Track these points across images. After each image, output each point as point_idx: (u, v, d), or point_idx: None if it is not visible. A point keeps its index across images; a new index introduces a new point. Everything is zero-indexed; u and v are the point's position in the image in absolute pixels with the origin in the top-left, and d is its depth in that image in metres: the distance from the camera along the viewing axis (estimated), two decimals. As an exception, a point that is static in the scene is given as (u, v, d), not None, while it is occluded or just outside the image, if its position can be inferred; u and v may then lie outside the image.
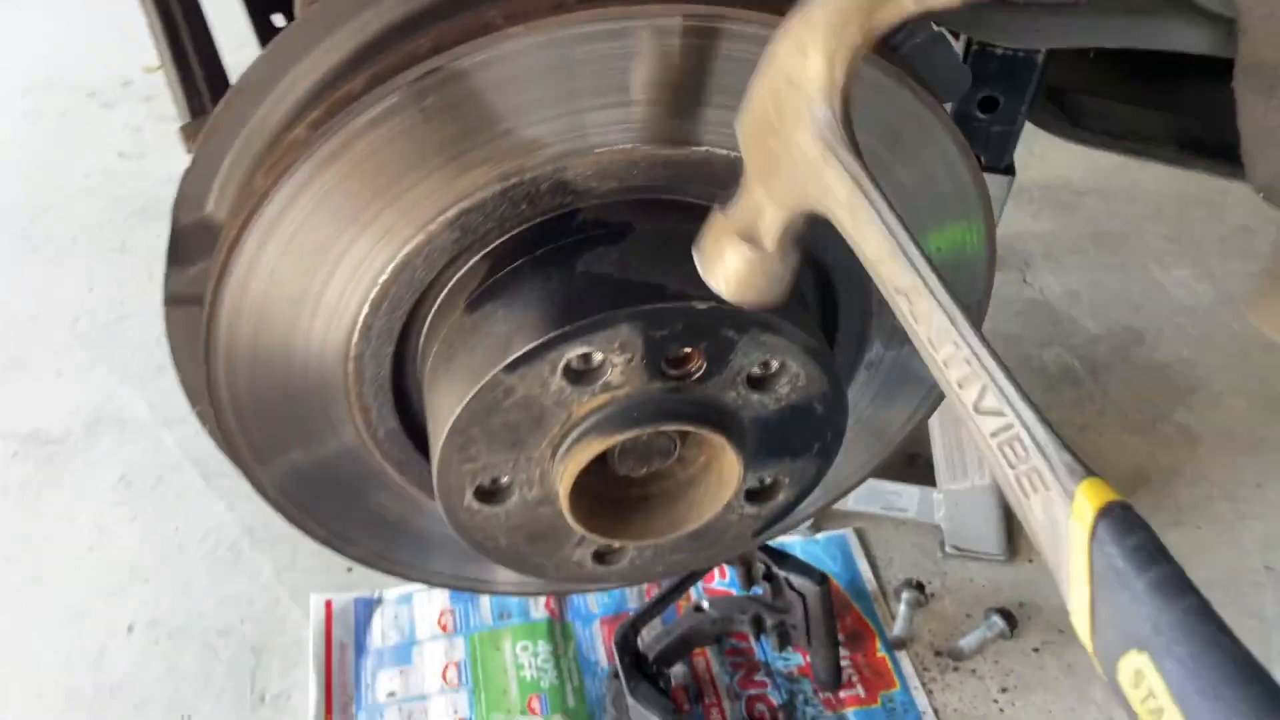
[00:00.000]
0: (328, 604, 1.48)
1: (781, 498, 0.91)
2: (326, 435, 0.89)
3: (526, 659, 1.44)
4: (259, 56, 0.76)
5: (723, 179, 0.76)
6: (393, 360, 0.84)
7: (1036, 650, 1.52)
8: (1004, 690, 1.46)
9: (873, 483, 1.64)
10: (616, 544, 0.90)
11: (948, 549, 1.63)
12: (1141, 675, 0.48)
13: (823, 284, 0.90)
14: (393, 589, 1.52)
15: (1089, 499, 0.54)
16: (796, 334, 0.78)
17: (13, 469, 1.66)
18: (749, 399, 0.82)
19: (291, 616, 1.48)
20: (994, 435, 0.57)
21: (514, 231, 0.79)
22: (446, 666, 1.43)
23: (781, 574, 1.38)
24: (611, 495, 0.88)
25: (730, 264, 0.70)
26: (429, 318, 0.84)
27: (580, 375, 0.77)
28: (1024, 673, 1.48)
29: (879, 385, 0.99)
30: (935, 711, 1.43)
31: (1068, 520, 0.55)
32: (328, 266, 0.77)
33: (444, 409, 0.79)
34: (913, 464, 1.67)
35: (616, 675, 1.30)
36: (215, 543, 1.57)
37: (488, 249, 0.80)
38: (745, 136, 0.67)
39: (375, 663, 1.44)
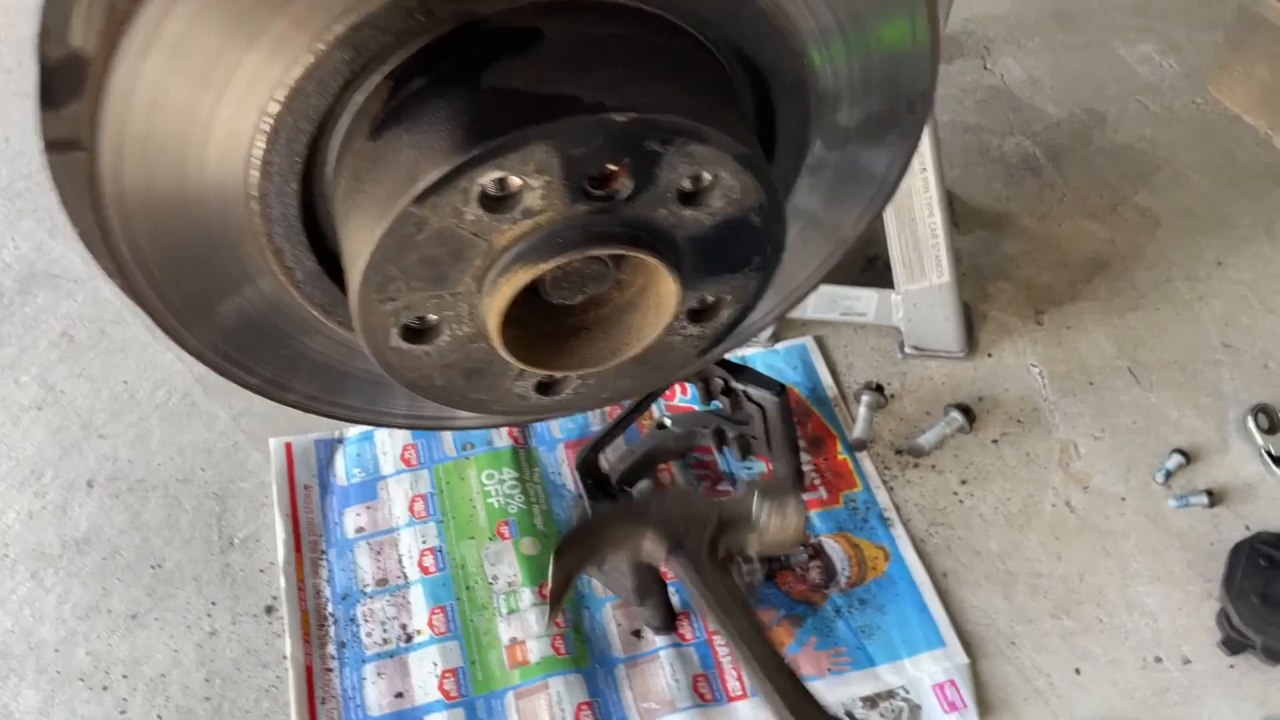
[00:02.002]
0: (288, 446, 1.47)
1: (724, 315, 0.88)
2: (243, 284, 0.84)
3: (493, 486, 1.44)
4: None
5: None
6: (300, 196, 0.78)
7: (995, 442, 1.54)
8: (963, 482, 1.49)
9: (830, 289, 1.62)
10: (558, 375, 0.87)
11: (907, 350, 1.63)
12: None
13: (757, 88, 0.84)
14: (353, 427, 1.51)
15: None
16: (726, 142, 0.73)
17: (-53, 333, 1.61)
18: (682, 216, 0.77)
19: (252, 461, 1.47)
20: None
21: (414, 47, 0.72)
22: (413, 499, 1.44)
23: (740, 387, 1.38)
24: (548, 325, 0.85)
25: None
26: (335, 147, 0.77)
27: (497, 202, 0.72)
28: (983, 464, 1.51)
29: (826, 188, 0.95)
30: (896, 507, 1.46)
31: None
32: (212, 94, 0.70)
33: (356, 248, 0.74)
34: (871, 267, 1.64)
35: (581, 498, 1.31)
36: (167, 393, 1.54)
37: (388, 68, 0.73)
38: None
39: (341, 501, 1.44)
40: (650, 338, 0.84)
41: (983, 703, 1.29)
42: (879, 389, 1.54)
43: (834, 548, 1.41)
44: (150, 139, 0.72)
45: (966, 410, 1.53)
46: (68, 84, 0.74)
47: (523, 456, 1.49)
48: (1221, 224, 1.83)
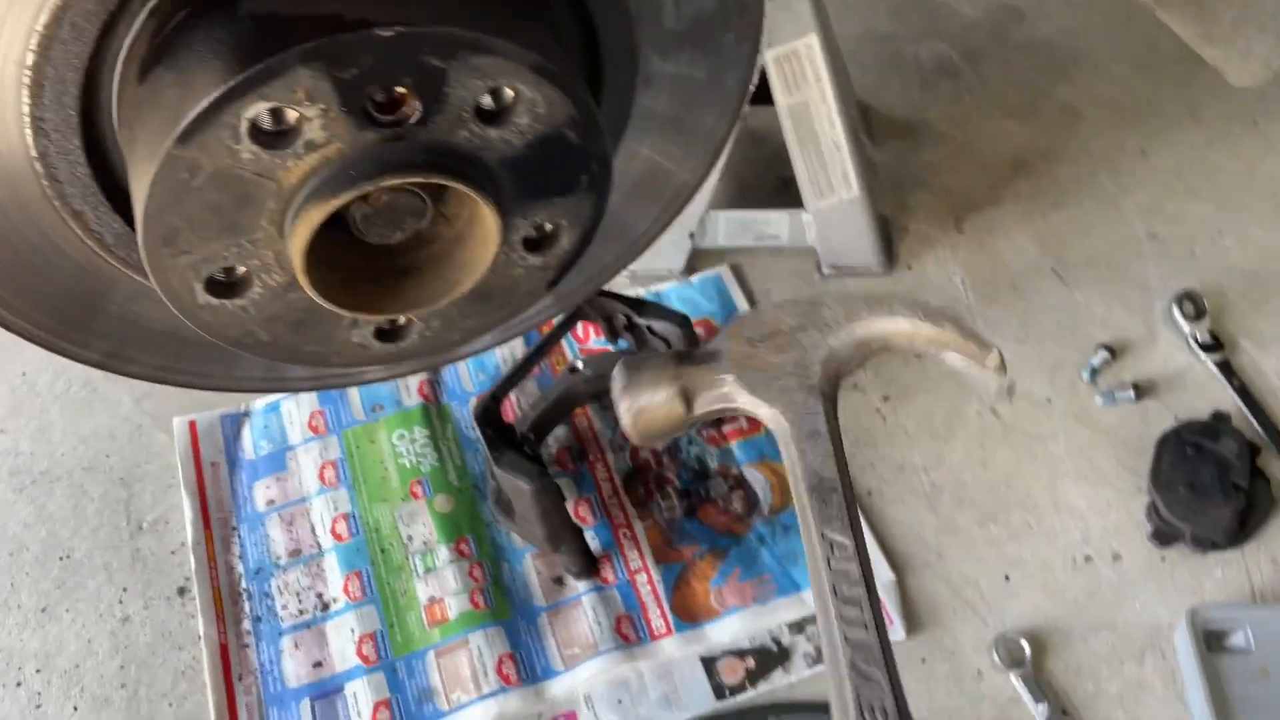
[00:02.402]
0: (191, 424, 1.44)
1: (565, 242, 0.84)
2: (51, 255, 0.80)
3: (404, 447, 1.41)
4: None
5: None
6: (88, 152, 0.74)
7: (918, 355, 1.50)
8: (886, 398, 1.46)
9: (739, 213, 1.57)
10: (397, 319, 0.83)
11: (825, 270, 1.59)
12: None
13: (577, 15, 0.80)
14: (259, 400, 1.47)
15: None
16: (515, 52, 0.69)
17: None
18: (487, 137, 0.73)
19: (158, 443, 1.43)
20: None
21: None
22: (323, 467, 1.40)
23: (642, 322, 1.34)
24: (373, 267, 0.81)
25: (653, 407, 0.87)
26: (114, 96, 0.73)
27: (275, 137, 0.68)
28: (905, 379, 1.48)
29: (669, 101, 0.90)
30: (819, 431, 1.42)
31: None
32: None
33: (135, 201, 0.70)
34: (786, 190, 1.59)
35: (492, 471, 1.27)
36: (67, 382, 1.50)
37: (150, 4, 0.69)
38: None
39: (250, 475, 1.41)
40: (479, 271, 0.80)
41: (912, 618, 1.27)
42: (795, 312, 1.50)
43: (755, 476, 1.38)
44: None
45: (885, 325, 1.48)
46: None
47: (434, 413, 1.45)
48: (1144, 113, 1.78)
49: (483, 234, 0.79)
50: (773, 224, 1.57)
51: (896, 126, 1.77)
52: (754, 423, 1.41)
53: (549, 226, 0.83)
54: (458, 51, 0.67)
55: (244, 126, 0.66)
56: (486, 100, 0.71)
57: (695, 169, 0.98)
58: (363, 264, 0.80)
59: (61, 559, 1.34)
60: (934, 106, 1.80)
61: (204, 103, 0.64)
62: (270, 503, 1.38)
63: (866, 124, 1.76)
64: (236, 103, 0.64)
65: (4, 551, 1.35)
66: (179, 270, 0.73)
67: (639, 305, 1.34)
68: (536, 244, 0.83)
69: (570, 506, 1.35)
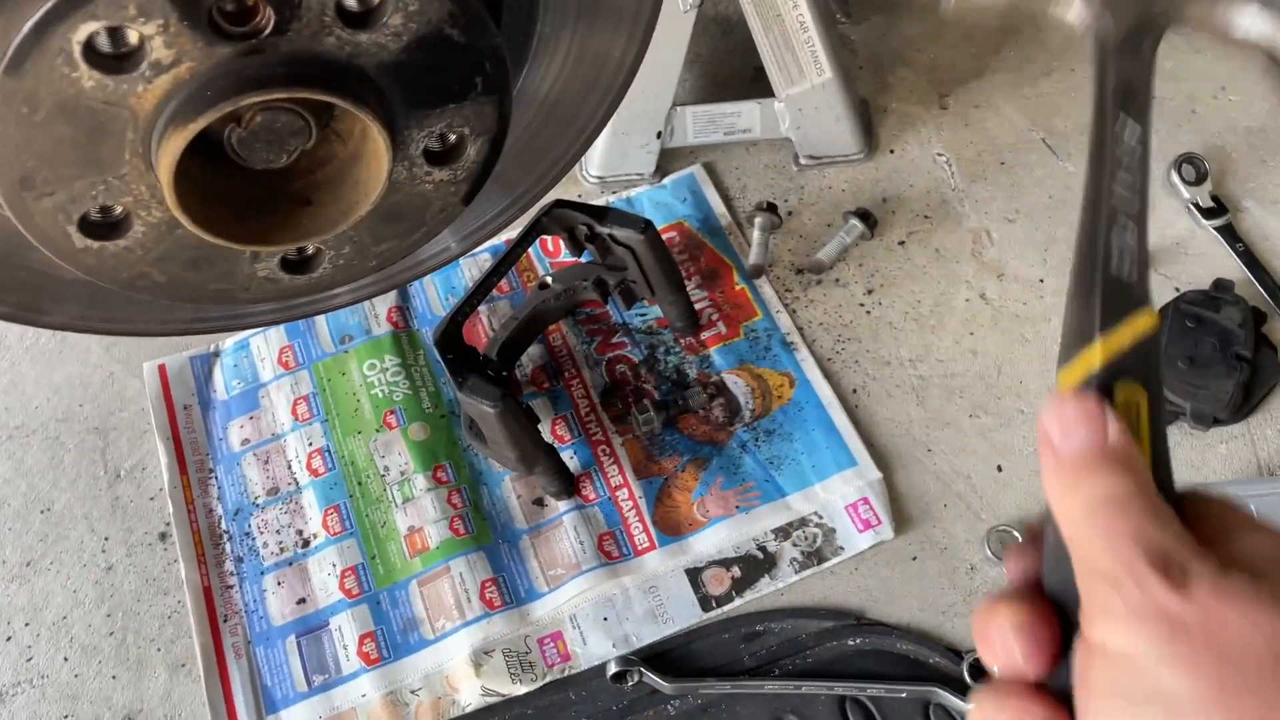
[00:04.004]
0: (161, 368, 1.42)
1: (472, 152, 0.78)
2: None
3: (375, 376, 1.38)
4: None
5: None
6: None
7: (902, 243, 1.44)
8: (869, 292, 1.40)
9: (706, 107, 1.50)
10: (298, 249, 0.79)
11: (802, 161, 1.51)
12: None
13: None
14: (228, 339, 1.44)
15: None
16: (370, -57, 0.62)
17: None
18: (357, 42, 0.67)
19: (130, 389, 1.42)
20: None
21: None
22: (296, 402, 1.38)
23: (604, 231, 1.28)
24: (265, 194, 0.76)
25: None
26: None
27: (116, 61, 0.62)
28: (889, 269, 1.41)
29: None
30: (799, 330, 1.37)
31: None
32: None
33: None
34: (758, 80, 1.51)
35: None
36: (35, 335, 1.48)
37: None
38: None
39: (223, 415, 1.39)
40: (376, 191, 0.75)
41: (901, 515, 1.23)
42: (771, 208, 1.44)
43: (735, 382, 1.34)
44: None
45: (865, 215, 1.42)
46: None
47: (405, 341, 1.42)
48: (1141, -36, 1.66)
49: (374, 150, 0.74)
50: (743, 116, 1.49)
51: (874, 2, 1.67)
52: (732, 327, 1.37)
53: (451, 137, 0.77)
54: (299, -53, 0.61)
55: (78, 50, 0.60)
56: (349, 1, 0.65)
57: (629, 45, 0.91)
58: (252, 192, 0.75)
59: (43, 512, 1.33)
60: (915, -24, 1.69)
61: (26, 26, 0.58)
62: (245, 442, 1.36)
63: (844, 2, 1.66)
64: (62, 24, 0.59)
65: (-14, 508, 1.34)
66: (46, 214, 0.68)
67: (599, 214, 1.28)
68: (440, 157, 0.78)
69: (547, 426, 1.32)
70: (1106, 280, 0.49)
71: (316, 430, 1.35)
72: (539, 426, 1.26)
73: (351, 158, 0.77)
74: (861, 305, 1.39)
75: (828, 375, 1.33)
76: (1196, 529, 0.43)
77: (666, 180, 1.53)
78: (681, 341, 1.38)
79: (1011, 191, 1.45)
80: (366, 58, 0.68)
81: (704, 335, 1.38)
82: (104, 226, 0.71)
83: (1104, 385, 0.46)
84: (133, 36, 0.62)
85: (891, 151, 1.51)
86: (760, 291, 1.41)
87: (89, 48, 0.61)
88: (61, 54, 0.60)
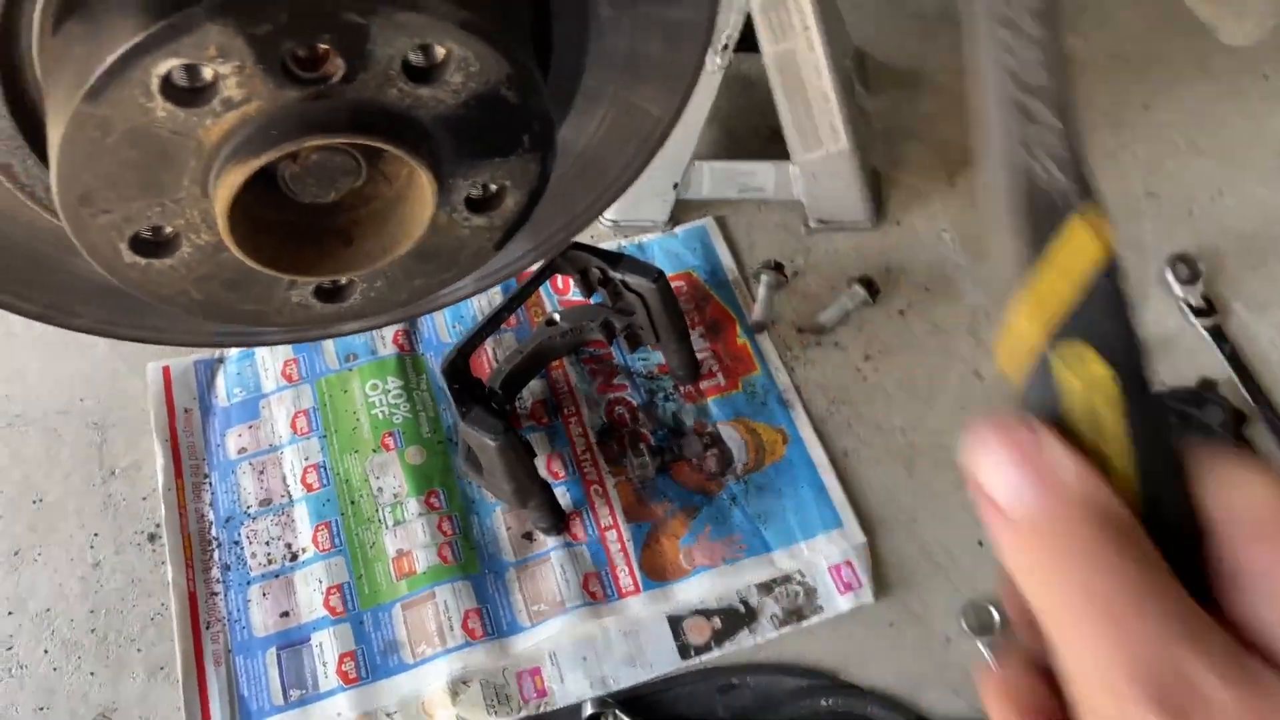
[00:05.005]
0: (165, 370, 1.43)
1: (510, 202, 0.81)
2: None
3: (377, 397, 1.40)
4: None
5: None
6: (10, 103, 0.72)
7: (901, 313, 1.47)
8: (867, 358, 1.43)
9: (725, 164, 1.54)
10: (332, 279, 0.81)
11: (812, 224, 1.55)
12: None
13: None
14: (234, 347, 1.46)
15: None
16: (439, 7, 0.65)
17: None
18: (418, 95, 0.70)
19: (132, 388, 1.43)
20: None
21: None
22: (296, 415, 1.40)
23: (617, 276, 1.31)
24: (310, 225, 0.79)
25: None
26: (32, 45, 0.70)
27: (190, 94, 0.65)
28: (888, 337, 1.45)
29: (625, 55, 0.87)
30: (796, 388, 1.41)
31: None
32: None
33: (50, 158, 0.68)
34: (777, 140, 1.55)
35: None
36: (43, 327, 1.49)
37: (60, -47, 0.66)
38: None
39: (223, 422, 1.40)
40: (417, 233, 0.78)
41: (882, 580, 1.26)
42: (778, 267, 1.48)
43: (731, 434, 1.37)
44: None
45: (869, 283, 1.46)
46: None
47: (409, 363, 1.44)
48: (1151, 65, 1.72)
49: (419, 194, 0.76)
50: (758, 176, 1.53)
51: (894, 76, 1.72)
52: (731, 379, 1.40)
53: (493, 186, 0.80)
54: (377, 6, 0.64)
55: (155, 84, 0.63)
56: (416, 57, 0.68)
57: (669, 103, 0.94)
58: (297, 222, 0.77)
59: (34, 503, 1.34)
60: (934, 56, 1.74)
61: (109, 59, 0.61)
62: (242, 450, 1.38)
63: (862, 72, 1.71)
64: (145, 58, 0.61)
65: (-22, 494, 1.35)
66: (101, 229, 0.71)
67: (614, 259, 1.31)
68: (480, 204, 0.81)
69: (542, 462, 1.35)
70: (1023, 199, 0.36)
71: (314, 445, 1.37)
72: (535, 461, 1.28)
73: (395, 199, 0.80)
74: (858, 370, 1.42)
75: (820, 435, 1.36)
76: (1240, 549, 0.32)
77: (679, 230, 1.56)
78: (681, 389, 1.41)
79: (1011, 273, 1.49)
80: (424, 110, 0.71)
81: (703, 385, 1.41)
82: (153, 245, 0.74)
83: (1043, 377, 0.33)
84: (208, 74, 0.64)
85: (898, 223, 1.56)
86: (761, 347, 1.44)
87: (167, 82, 0.63)
88: (140, 86, 0.63)
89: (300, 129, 0.67)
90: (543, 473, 1.31)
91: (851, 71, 1.62)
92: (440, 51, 0.69)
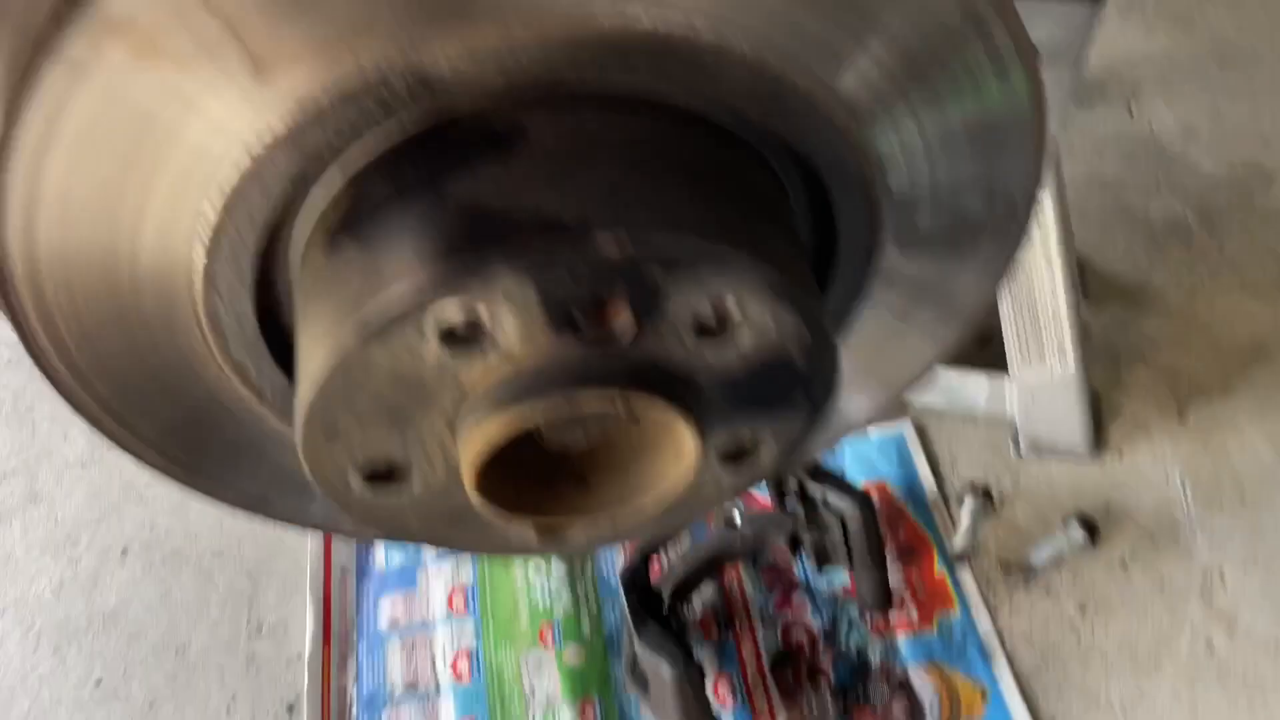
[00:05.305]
0: (327, 524, 1.37)
1: (765, 458, 0.72)
2: (202, 399, 0.73)
3: (539, 581, 1.31)
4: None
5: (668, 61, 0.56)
6: (259, 304, 0.67)
7: (1123, 563, 1.32)
8: (1082, 611, 1.28)
9: (938, 371, 1.42)
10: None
11: (1022, 446, 1.42)
12: None
13: (810, 182, 0.69)
14: (398, 504, 1.40)
15: None
16: (756, 270, 0.58)
17: (6, 378, 1.58)
18: (702, 354, 0.62)
19: (290, 538, 1.37)
20: None
21: (377, 147, 0.60)
22: (453, 592, 1.32)
23: (817, 492, 1.21)
24: (547, 464, 0.71)
25: None
26: (297, 253, 0.65)
27: (464, 339, 0.58)
28: (1107, 590, 1.30)
29: (898, 301, 0.78)
30: (1000, 636, 1.26)
31: None
32: (134, 196, 0.59)
33: (299, 388, 0.62)
34: (988, 345, 1.44)
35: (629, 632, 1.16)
36: (212, 457, 1.46)
37: (348, 170, 0.61)
38: None
39: (377, 588, 1.33)
40: (667, 492, 0.69)
41: None
42: (986, 493, 1.35)
43: (923, 682, 1.23)
44: (68, 248, 0.61)
45: (1089, 524, 1.31)
46: None
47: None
48: None
49: (676, 451, 0.68)
50: (970, 387, 1.41)
51: (1117, 288, 1.60)
52: (925, 616, 1.26)
53: (750, 441, 0.71)
54: (687, 265, 0.57)
55: (431, 327, 0.57)
56: (708, 314, 0.61)
57: (942, 339, 0.85)
58: (531, 459, 0.70)
59: (177, 652, 1.28)
60: (1162, 271, 1.62)
61: (392, 305, 0.55)
62: (394, 623, 1.30)
63: (1083, 282, 1.59)
64: (429, 304, 0.55)
65: (124, 632, 1.30)
66: (337, 459, 0.64)
67: (817, 473, 1.21)
68: (733, 458, 0.72)
69: (710, 682, 1.23)
70: None
71: (468, 628, 1.28)
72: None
73: (642, 445, 0.71)
74: (1071, 625, 1.27)
75: (1026, 698, 1.20)
76: None
77: (874, 433, 1.45)
78: (868, 618, 1.28)
79: (1252, 532, 1.33)
80: (704, 368, 0.63)
81: (893, 616, 1.28)
82: (385, 478, 0.67)
83: None
84: (487, 319, 0.58)
85: (1120, 456, 1.41)
86: (961, 581, 1.31)
87: (444, 325, 0.57)
88: (417, 329, 0.56)
89: (575, 380, 0.60)
90: (709, 695, 1.19)
91: (1075, 282, 1.51)
92: (734, 310, 0.61)
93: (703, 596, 1.30)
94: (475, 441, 0.61)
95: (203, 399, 0.73)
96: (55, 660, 1.28)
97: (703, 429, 0.65)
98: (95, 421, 0.74)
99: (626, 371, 0.61)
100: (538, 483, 0.71)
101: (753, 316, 0.60)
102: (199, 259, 0.62)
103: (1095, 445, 1.41)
